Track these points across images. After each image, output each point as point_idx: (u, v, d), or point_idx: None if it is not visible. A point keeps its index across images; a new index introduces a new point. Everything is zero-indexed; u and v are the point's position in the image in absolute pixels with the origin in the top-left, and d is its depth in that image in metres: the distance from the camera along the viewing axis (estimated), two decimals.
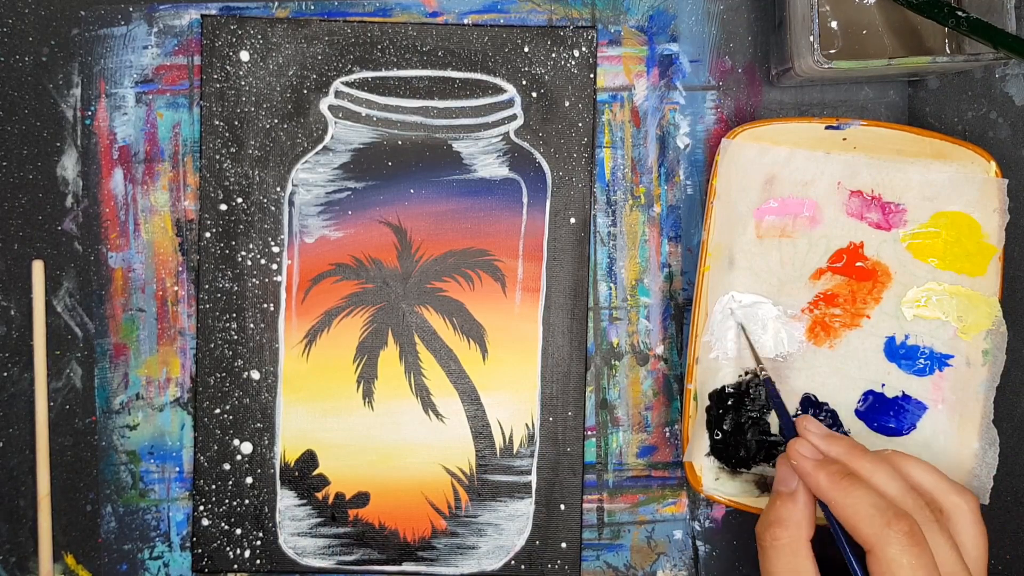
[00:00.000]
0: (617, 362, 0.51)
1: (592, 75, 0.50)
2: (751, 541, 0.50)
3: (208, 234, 0.50)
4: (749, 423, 0.48)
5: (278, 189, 0.50)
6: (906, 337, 0.48)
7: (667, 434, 0.51)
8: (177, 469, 0.50)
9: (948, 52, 0.46)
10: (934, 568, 0.37)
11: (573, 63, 0.50)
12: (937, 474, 0.41)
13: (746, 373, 0.48)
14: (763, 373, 0.46)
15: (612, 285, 0.50)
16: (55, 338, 0.50)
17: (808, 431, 0.42)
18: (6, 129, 0.50)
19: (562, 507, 0.50)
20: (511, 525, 0.50)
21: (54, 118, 0.50)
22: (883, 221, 0.48)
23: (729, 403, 0.48)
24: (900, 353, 0.48)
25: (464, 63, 0.50)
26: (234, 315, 0.50)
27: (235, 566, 0.50)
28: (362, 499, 0.50)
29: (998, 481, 0.49)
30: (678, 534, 0.51)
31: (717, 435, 0.48)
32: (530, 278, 0.50)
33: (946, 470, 0.48)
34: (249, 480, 0.50)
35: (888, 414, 0.48)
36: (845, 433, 0.48)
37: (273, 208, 0.50)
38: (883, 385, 0.48)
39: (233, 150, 0.49)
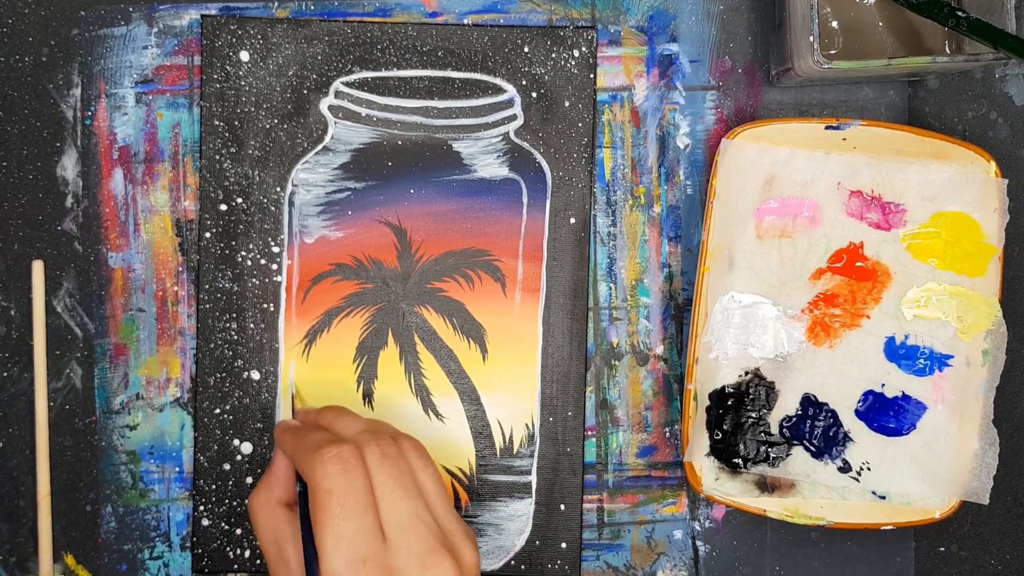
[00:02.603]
0: (617, 362, 0.51)
1: (592, 75, 0.50)
2: (751, 541, 0.50)
3: (208, 234, 0.50)
4: (749, 423, 0.48)
5: (278, 189, 0.50)
6: (906, 337, 0.48)
7: (667, 434, 0.51)
8: (177, 469, 0.50)
9: (948, 52, 0.46)
10: (366, 492, 0.36)
11: (573, 63, 0.50)
12: (386, 423, 0.42)
13: (746, 373, 0.48)
14: None
15: (612, 285, 0.50)
16: (55, 338, 0.50)
17: (298, 412, 0.44)
18: (6, 129, 0.50)
19: (562, 507, 0.50)
20: (511, 525, 0.50)
21: (54, 118, 0.50)
22: (883, 221, 0.48)
23: (729, 403, 0.48)
24: (900, 353, 0.48)
25: (464, 63, 0.50)
26: (234, 315, 0.50)
27: (235, 566, 0.50)
28: None
29: (998, 481, 0.49)
30: (678, 534, 0.51)
31: (717, 435, 0.48)
32: (530, 278, 0.50)
33: (946, 470, 0.48)
34: (249, 480, 0.50)
35: (888, 414, 0.48)
36: (845, 433, 0.48)
37: (273, 208, 0.50)
38: (883, 385, 0.48)
39: (233, 150, 0.49)
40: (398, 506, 0.37)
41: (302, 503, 0.39)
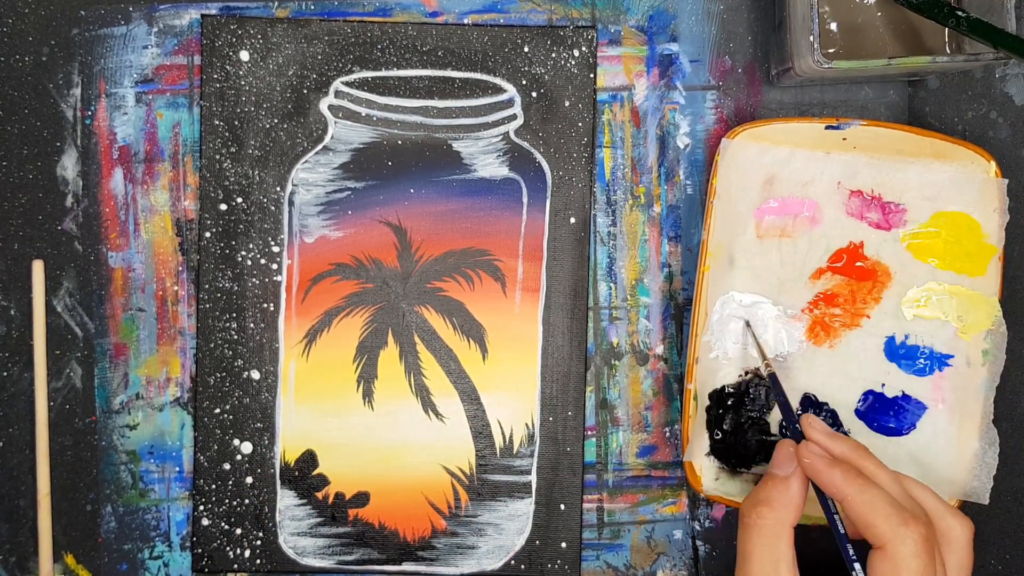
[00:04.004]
0: (617, 362, 0.51)
1: (592, 75, 0.50)
2: None
3: (208, 234, 0.50)
4: (749, 423, 0.48)
5: (278, 189, 0.50)
6: (906, 337, 0.48)
7: (667, 434, 0.51)
8: (177, 469, 0.50)
9: (948, 52, 0.46)
10: None
11: (573, 63, 0.50)
12: (934, 494, 0.42)
13: (746, 373, 0.48)
14: (768, 369, 0.46)
15: (612, 285, 0.50)
16: (55, 338, 0.50)
17: (814, 429, 0.42)
18: (6, 129, 0.50)
19: (562, 507, 0.50)
20: (511, 525, 0.50)
21: (54, 118, 0.50)
22: (883, 221, 0.48)
23: (729, 403, 0.48)
24: (900, 353, 0.48)
25: (464, 63, 0.50)
26: (234, 315, 0.50)
27: (235, 566, 0.50)
28: (362, 499, 0.50)
29: (998, 481, 0.49)
30: (678, 534, 0.51)
31: (717, 435, 0.48)
32: (530, 278, 0.50)
33: (946, 470, 0.48)
34: (249, 480, 0.50)
35: (888, 414, 0.48)
36: (845, 433, 0.48)
37: (273, 208, 0.50)
38: (883, 385, 0.48)
39: (233, 150, 0.49)
40: None
41: (841, 536, 0.40)
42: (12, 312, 0.50)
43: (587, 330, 0.50)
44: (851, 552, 0.39)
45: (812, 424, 0.42)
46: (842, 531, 0.40)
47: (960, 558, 0.41)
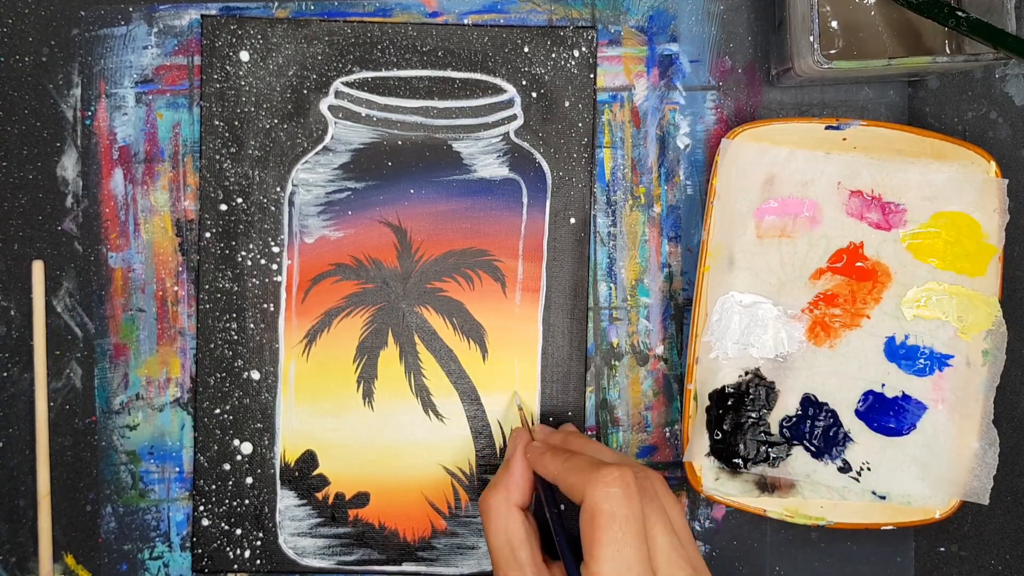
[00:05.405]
0: (617, 362, 0.51)
1: (592, 75, 0.50)
2: (751, 541, 0.50)
3: (208, 234, 0.50)
4: (749, 423, 0.48)
5: (278, 189, 0.50)
6: (906, 337, 0.48)
7: (667, 434, 0.51)
8: (177, 469, 0.50)
9: (948, 52, 0.46)
10: (643, 521, 0.36)
11: (573, 63, 0.50)
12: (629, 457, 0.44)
13: (746, 373, 0.48)
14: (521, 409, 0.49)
15: (612, 285, 0.50)
16: (55, 338, 0.50)
17: (537, 431, 0.46)
18: (6, 129, 0.50)
19: (562, 507, 0.50)
20: None
21: (54, 118, 0.50)
22: (883, 221, 0.48)
23: (729, 403, 0.48)
24: (900, 353, 0.48)
25: (464, 63, 0.50)
26: (234, 315, 0.50)
27: (235, 566, 0.50)
28: (362, 499, 0.50)
29: (998, 481, 0.49)
30: None
31: (717, 435, 0.48)
32: (530, 278, 0.50)
33: (946, 470, 0.48)
34: (249, 480, 0.50)
35: (888, 414, 0.48)
36: (845, 433, 0.48)
37: (273, 208, 0.50)
38: (883, 385, 0.48)
39: (233, 150, 0.49)
40: (662, 540, 0.37)
41: (554, 515, 0.40)
42: (12, 312, 0.50)
43: (587, 330, 0.50)
44: (562, 533, 0.39)
45: (537, 429, 0.46)
46: (558, 520, 0.40)
47: (672, 502, 0.40)
